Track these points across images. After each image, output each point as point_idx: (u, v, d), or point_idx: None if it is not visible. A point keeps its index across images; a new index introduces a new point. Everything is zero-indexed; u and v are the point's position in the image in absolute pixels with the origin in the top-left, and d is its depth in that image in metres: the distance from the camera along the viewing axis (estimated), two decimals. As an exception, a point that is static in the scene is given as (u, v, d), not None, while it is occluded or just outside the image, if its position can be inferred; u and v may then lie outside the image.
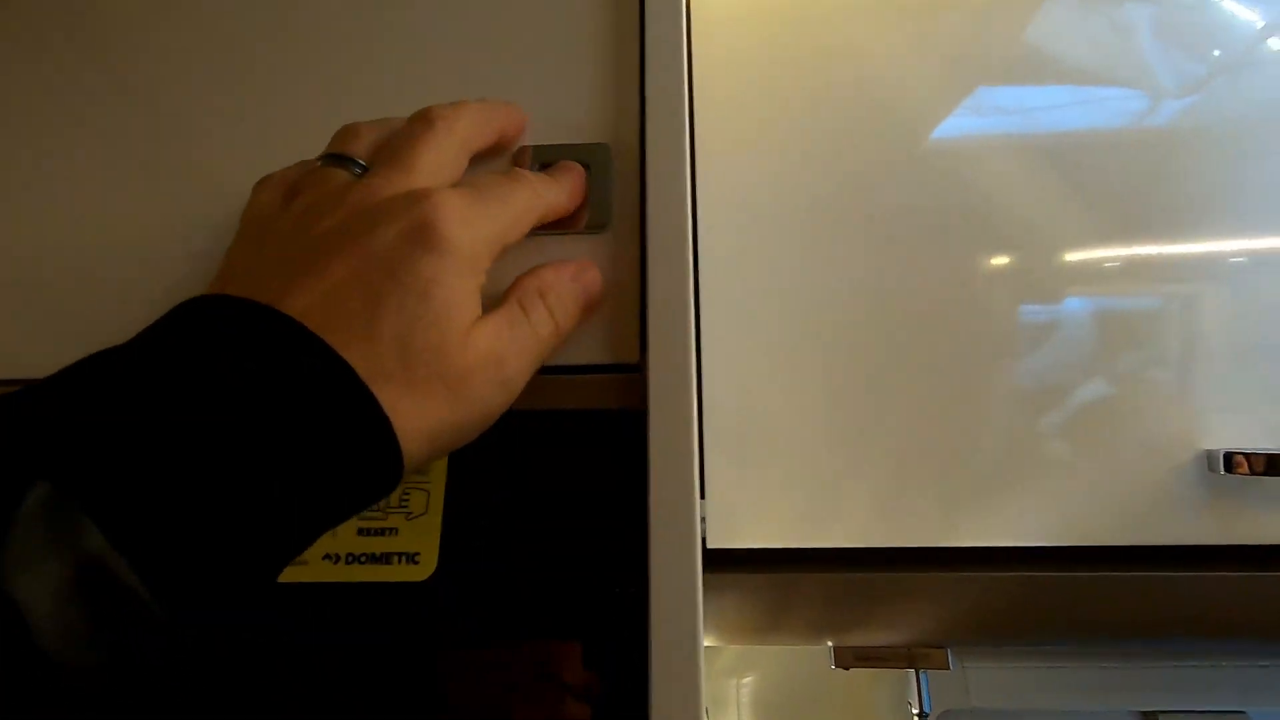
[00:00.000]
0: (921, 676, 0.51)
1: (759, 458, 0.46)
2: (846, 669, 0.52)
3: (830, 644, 0.51)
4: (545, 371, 0.26)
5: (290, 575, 0.24)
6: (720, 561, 0.49)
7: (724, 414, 0.46)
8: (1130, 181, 0.51)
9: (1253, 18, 0.56)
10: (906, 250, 0.48)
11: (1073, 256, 0.49)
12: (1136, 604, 0.48)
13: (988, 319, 0.47)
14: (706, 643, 0.56)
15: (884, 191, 0.49)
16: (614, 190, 0.30)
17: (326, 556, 0.25)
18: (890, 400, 0.47)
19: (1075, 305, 0.48)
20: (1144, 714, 0.80)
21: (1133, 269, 0.49)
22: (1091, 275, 0.49)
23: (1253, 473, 0.43)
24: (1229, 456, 0.44)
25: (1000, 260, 0.48)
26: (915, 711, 0.51)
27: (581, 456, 0.27)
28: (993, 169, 0.51)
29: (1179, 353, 0.47)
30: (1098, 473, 0.46)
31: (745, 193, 0.49)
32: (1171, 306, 0.49)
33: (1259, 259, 0.48)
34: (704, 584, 0.46)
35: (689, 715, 0.27)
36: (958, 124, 0.53)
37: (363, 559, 0.25)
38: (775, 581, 0.47)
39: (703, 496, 0.48)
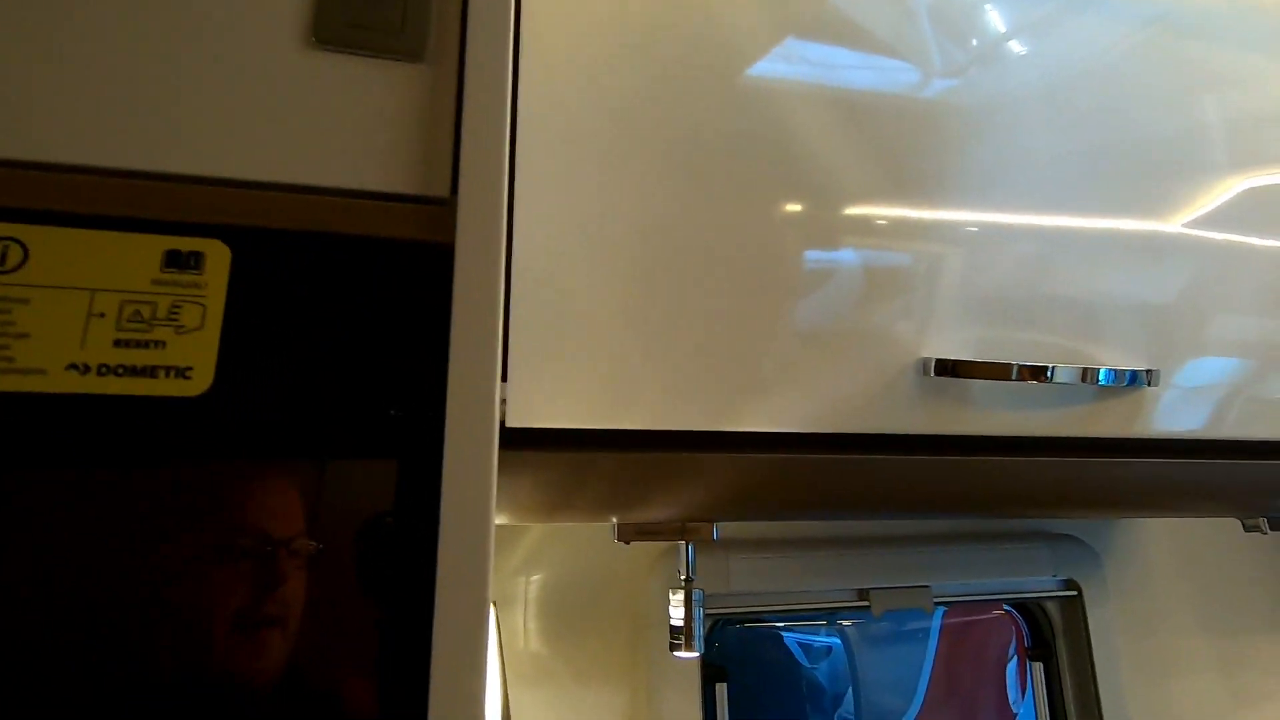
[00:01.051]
0: (689, 548, 0.58)
1: (562, 341, 0.48)
2: (627, 543, 0.57)
3: (615, 520, 0.56)
4: (352, 196, 0.25)
5: (28, 384, 0.21)
6: (518, 441, 0.51)
7: (530, 296, 0.47)
8: (904, 146, 0.59)
9: (1009, 17, 0.67)
10: (711, 173, 0.52)
11: (853, 210, 0.57)
12: (867, 482, 0.58)
13: (779, 256, 0.52)
14: (498, 520, 0.57)
15: (695, 116, 0.52)
16: (432, 17, 0.28)
17: (72, 366, 0.22)
18: (688, 300, 0.51)
19: (849, 255, 0.56)
20: (859, 591, 0.97)
21: (897, 227, 0.57)
22: (866, 229, 0.57)
23: (957, 375, 0.54)
24: (940, 363, 0.54)
25: (792, 203, 0.54)
26: (683, 576, 0.57)
27: (383, 284, 0.26)
28: (794, 115, 0.56)
29: (923, 296, 0.57)
30: (844, 377, 0.54)
31: (564, 87, 0.49)
32: (920, 264, 0.58)
33: (988, 228, 0.59)
34: (500, 462, 0.47)
35: (476, 592, 0.28)
36: (767, 68, 0.57)
37: (119, 371, 0.22)
38: (572, 461, 0.50)
39: (505, 379, 0.49)
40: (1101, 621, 1.04)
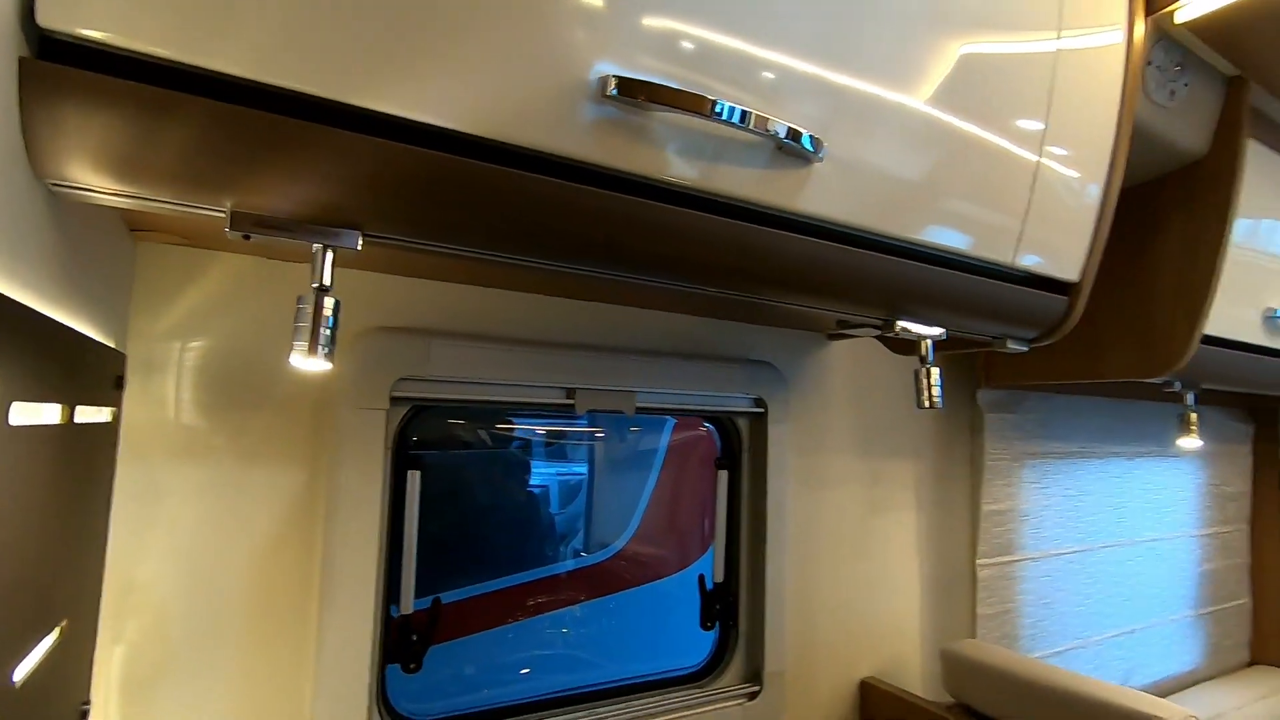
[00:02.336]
0: (326, 255, 0.50)
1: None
2: (246, 238, 0.48)
3: (229, 205, 0.47)
4: None
5: None
6: (60, 54, 0.39)
7: None
8: None
9: None
10: None
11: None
12: (531, 211, 0.54)
13: None
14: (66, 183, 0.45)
15: None
16: None
17: None
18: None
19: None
20: (568, 390, 0.99)
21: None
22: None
23: (637, 100, 0.51)
24: (623, 82, 0.51)
25: None
26: (315, 284, 0.50)
27: None
28: None
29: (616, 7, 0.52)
30: (514, 77, 0.49)
31: None
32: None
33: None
34: (37, 80, 0.35)
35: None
36: None
37: None
38: (143, 99, 0.39)
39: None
40: (779, 437, 1.18)
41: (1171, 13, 0.88)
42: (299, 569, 0.83)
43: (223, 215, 0.48)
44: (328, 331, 0.50)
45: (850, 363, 1.30)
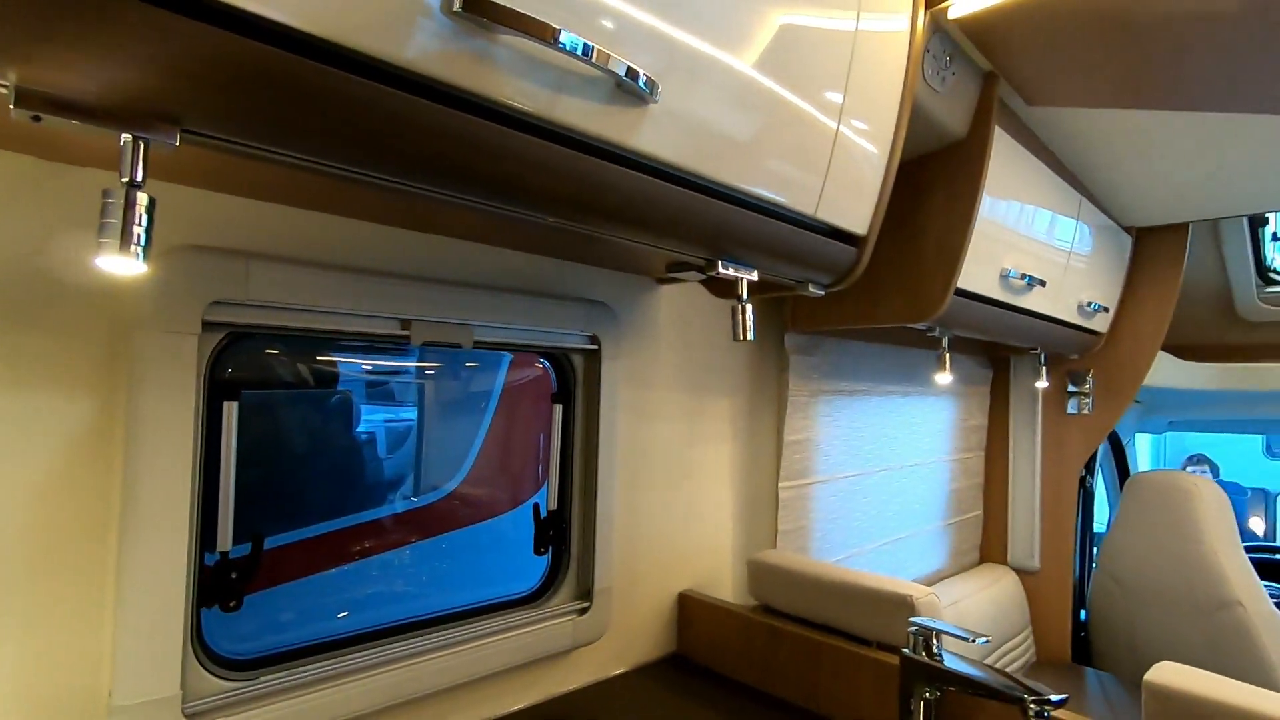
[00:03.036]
0: (139, 148, 0.47)
1: None
2: (36, 119, 0.43)
3: (13, 79, 0.42)
4: None
5: None
6: None
7: None
8: None
9: None
10: None
11: None
12: (365, 122, 0.54)
13: None
14: None
15: None
16: None
17: None
18: None
19: None
20: (402, 320, 0.97)
21: None
22: None
23: (484, 19, 0.52)
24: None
25: None
26: (125, 179, 0.46)
27: None
28: None
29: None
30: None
31: None
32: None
33: None
34: None
35: None
36: None
37: None
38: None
39: None
40: (611, 373, 1.25)
41: (945, 8, 1.04)
42: (94, 506, 0.76)
43: (4, 90, 0.43)
44: (140, 230, 0.47)
45: (677, 306, 1.40)
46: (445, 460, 1.75)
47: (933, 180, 1.30)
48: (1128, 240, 2.09)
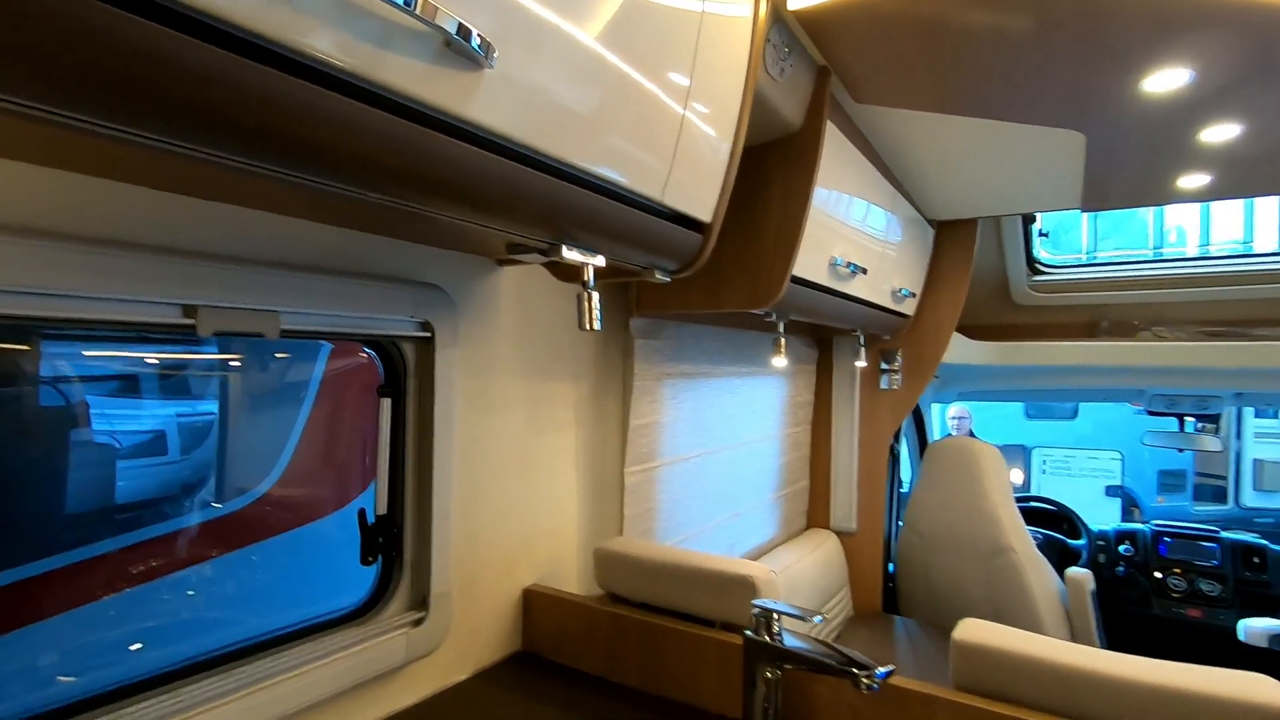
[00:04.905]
0: None
1: None
2: None
3: None
4: None
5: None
6: None
7: None
8: None
9: None
10: None
11: None
12: (156, 72, 0.41)
13: None
14: None
15: None
16: None
17: None
18: None
19: None
20: (185, 307, 0.81)
21: None
22: None
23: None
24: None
25: None
26: None
27: None
28: None
29: None
30: None
31: None
32: None
33: None
34: None
35: None
36: None
37: None
38: None
39: None
40: (447, 361, 1.15)
41: (785, -1, 1.05)
42: None
43: None
44: None
45: (518, 289, 1.33)
46: (256, 459, 1.54)
47: (770, 170, 1.33)
48: (931, 232, 2.31)
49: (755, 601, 1.03)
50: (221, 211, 0.85)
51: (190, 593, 1.29)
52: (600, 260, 0.93)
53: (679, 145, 0.91)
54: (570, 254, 0.88)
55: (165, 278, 0.78)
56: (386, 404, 1.13)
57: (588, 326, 0.91)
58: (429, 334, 1.12)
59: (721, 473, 1.97)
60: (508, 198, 0.71)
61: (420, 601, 1.14)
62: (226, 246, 0.86)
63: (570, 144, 0.73)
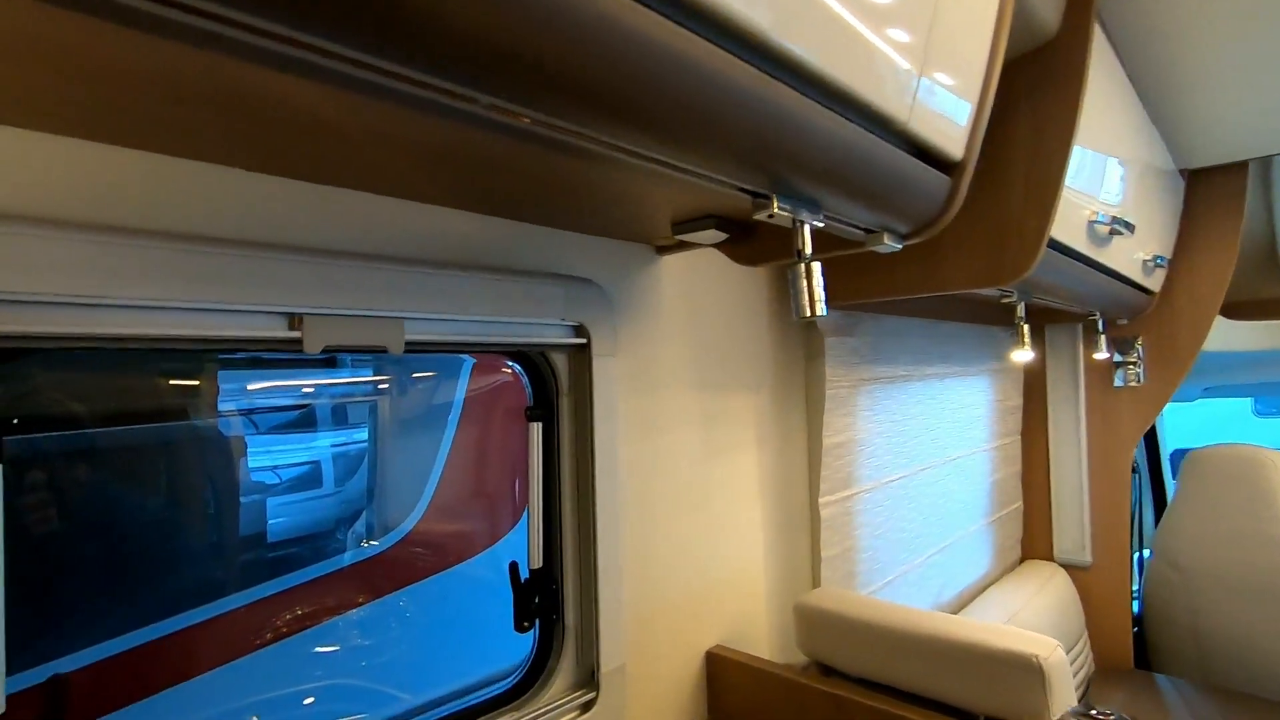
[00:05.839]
0: None
1: None
2: None
3: None
4: None
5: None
6: None
7: None
8: None
9: None
10: None
11: None
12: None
13: None
14: None
15: None
16: None
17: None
18: None
19: None
20: (290, 316, 0.63)
21: None
22: None
23: None
24: None
25: None
26: None
27: None
28: None
29: None
30: None
31: None
32: None
33: None
34: None
35: None
36: None
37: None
38: None
39: None
40: (606, 374, 0.92)
41: None
42: None
43: None
44: None
45: (683, 281, 1.08)
46: (394, 495, 1.41)
47: (1015, 98, 0.99)
48: (1181, 184, 1.82)
49: (1072, 710, 0.69)
50: (323, 196, 0.67)
51: (335, 647, 1.15)
52: (820, 220, 0.65)
53: (931, 38, 0.62)
54: (783, 209, 0.61)
55: (259, 278, 0.60)
56: (536, 429, 0.91)
57: (809, 312, 0.64)
58: (584, 340, 0.89)
59: (927, 497, 1.61)
60: (728, 118, 0.46)
61: (588, 677, 0.91)
62: (328, 238, 0.67)
63: (814, 34, 0.46)
